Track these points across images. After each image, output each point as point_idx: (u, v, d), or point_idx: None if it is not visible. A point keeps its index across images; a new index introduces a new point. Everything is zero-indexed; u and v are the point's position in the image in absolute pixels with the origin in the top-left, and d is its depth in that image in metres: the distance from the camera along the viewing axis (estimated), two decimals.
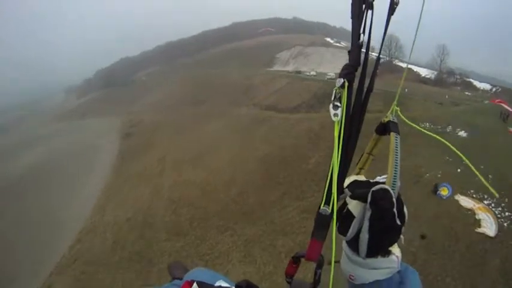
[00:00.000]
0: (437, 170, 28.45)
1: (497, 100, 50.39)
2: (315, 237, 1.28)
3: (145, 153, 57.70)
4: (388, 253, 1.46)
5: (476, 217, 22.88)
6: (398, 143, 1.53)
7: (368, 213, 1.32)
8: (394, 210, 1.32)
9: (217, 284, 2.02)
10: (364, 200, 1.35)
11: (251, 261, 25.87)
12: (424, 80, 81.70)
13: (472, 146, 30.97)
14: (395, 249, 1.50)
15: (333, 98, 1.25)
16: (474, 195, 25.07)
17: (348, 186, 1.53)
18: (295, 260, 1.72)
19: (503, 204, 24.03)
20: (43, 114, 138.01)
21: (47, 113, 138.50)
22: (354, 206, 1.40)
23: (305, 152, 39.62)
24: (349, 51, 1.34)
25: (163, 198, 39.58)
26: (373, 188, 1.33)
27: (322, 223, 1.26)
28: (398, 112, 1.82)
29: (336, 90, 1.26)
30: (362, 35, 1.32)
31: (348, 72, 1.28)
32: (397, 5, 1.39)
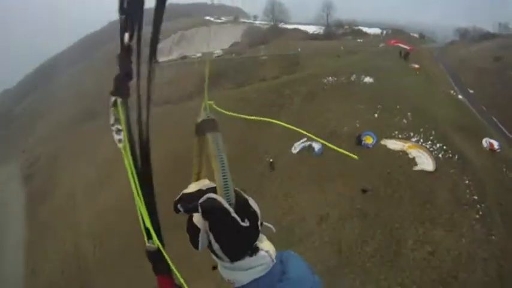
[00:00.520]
0: (354, 121, 28.84)
1: (392, 41, 53.44)
2: (158, 272, 1.33)
3: (52, 192, 53.97)
4: (255, 251, 1.27)
5: (410, 156, 23.55)
6: (219, 141, 1.29)
7: (206, 225, 1.21)
8: (233, 215, 1.17)
9: None
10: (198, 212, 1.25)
11: None
12: (314, 37, 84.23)
13: (382, 90, 32.02)
14: (264, 244, 1.30)
15: (111, 122, 1.23)
16: (400, 136, 25.84)
17: (179, 202, 1.35)
18: None
19: (431, 137, 24.96)
20: None
21: None
22: (197, 218, 1.27)
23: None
24: (117, 56, 1.24)
25: (86, 236, 37.21)
26: (200, 201, 1.21)
27: (155, 258, 1.29)
28: (214, 106, 1.51)
29: (112, 111, 1.23)
30: (127, 34, 1.22)
31: (119, 87, 1.24)
32: None
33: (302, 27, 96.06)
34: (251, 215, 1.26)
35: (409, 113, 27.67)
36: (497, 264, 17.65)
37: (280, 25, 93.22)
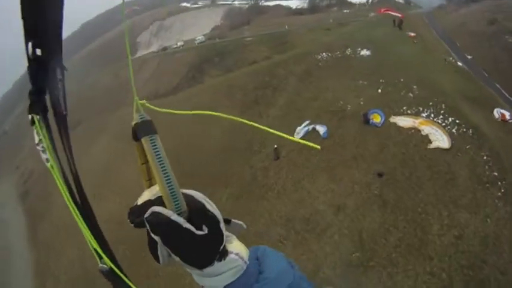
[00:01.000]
0: (357, 98, 27.73)
1: (383, 9, 52.24)
2: None
3: (50, 205, 51.22)
4: (223, 255, 1.26)
5: (423, 133, 22.54)
6: (157, 144, 1.22)
7: (159, 240, 1.17)
8: (185, 226, 1.14)
9: None
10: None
11: None
12: (299, 12, 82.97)
13: (381, 62, 31.04)
14: (233, 246, 1.31)
15: (36, 142, 1.22)
16: (409, 112, 24.77)
17: (128, 217, 1.33)
18: None
19: (442, 111, 24.03)
20: None
21: None
22: (153, 234, 1.22)
23: (209, 130, 36.88)
24: (28, 68, 1.18)
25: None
26: (145, 216, 1.17)
27: (111, 278, 1.27)
28: (146, 104, 1.46)
29: (35, 130, 1.21)
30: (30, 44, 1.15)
31: (34, 103, 1.22)
32: None
33: (284, 3, 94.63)
34: (210, 220, 1.21)
35: (414, 86, 26.67)
36: None
37: (260, 3, 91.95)
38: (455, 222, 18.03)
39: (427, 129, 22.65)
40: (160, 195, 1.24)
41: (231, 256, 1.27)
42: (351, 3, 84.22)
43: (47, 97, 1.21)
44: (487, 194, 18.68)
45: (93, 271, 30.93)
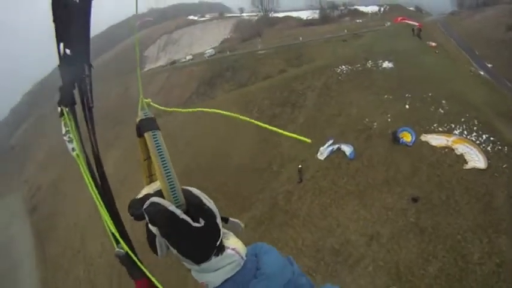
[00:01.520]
0: (384, 115, 26.66)
1: (399, 18, 51.57)
2: (133, 278, 1.39)
3: (58, 223, 53.30)
4: (220, 250, 1.33)
5: (457, 152, 21.59)
6: (160, 140, 1.33)
7: (157, 231, 1.24)
8: (182, 217, 1.21)
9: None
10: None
11: None
12: (310, 22, 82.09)
13: (405, 75, 30.10)
14: (230, 241, 1.38)
15: (63, 132, 1.32)
16: (440, 129, 23.77)
17: (128, 210, 1.42)
18: None
19: (475, 128, 23.10)
20: None
21: None
22: (151, 225, 1.30)
23: (225, 148, 36.10)
24: (59, 66, 1.33)
25: (99, 273, 35.52)
26: (144, 206, 1.25)
27: (127, 263, 1.35)
28: (151, 103, 1.62)
29: (62, 121, 1.32)
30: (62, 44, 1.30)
31: (63, 97, 1.33)
32: None
33: (294, 14, 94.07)
34: (206, 214, 1.27)
35: (443, 101, 25.76)
36: None
37: (270, 14, 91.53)
38: (495, 248, 17.18)
39: (462, 148, 21.74)
40: (159, 189, 1.33)
41: (228, 251, 1.31)
42: (363, 12, 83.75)
43: (75, 92, 1.31)
44: None
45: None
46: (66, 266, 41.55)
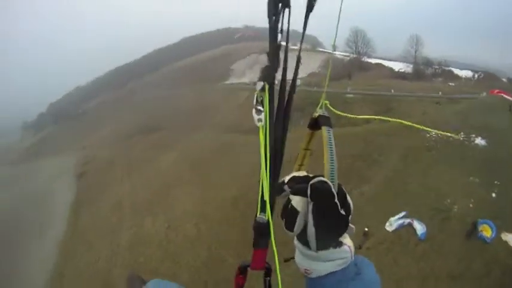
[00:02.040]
0: (466, 199, 24.39)
1: (496, 91, 49.06)
2: (257, 246, 1.50)
3: (100, 197, 55.74)
4: (339, 244, 1.53)
5: None
6: (331, 135, 1.60)
7: (310, 206, 1.40)
8: (336, 200, 1.39)
9: None
10: (305, 194, 1.44)
11: None
12: (402, 75, 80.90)
13: (497, 158, 27.56)
14: (347, 240, 1.57)
15: (254, 103, 1.44)
16: None
17: (287, 183, 1.66)
18: (242, 271, 1.76)
19: None
20: None
21: (2, 155, 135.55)
22: (297, 201, 1.48)
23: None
24: (267, 53, 1.48)
25: (120, 264, 36.08)
26: (311, 181, 1.41)
27: (261, 231, 1.45)
28: (328, 105, 1.94)
29: (257, 94, 1.44)
30: (280, 34, 1.46)
31: (267, 75, 1.46)
32: (315, 1, 1.49)
33: (386, 63, 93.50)
34: (347, 207, 1.46)
35: None
36: None
37: (363, 58, 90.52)
38: None
39: None
40: (305, 175, 1.65)
41: (345, 247, 1.51)
42: (457, 76, 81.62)
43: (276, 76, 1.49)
44: None
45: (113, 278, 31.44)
46: (90, 244, 43.25)
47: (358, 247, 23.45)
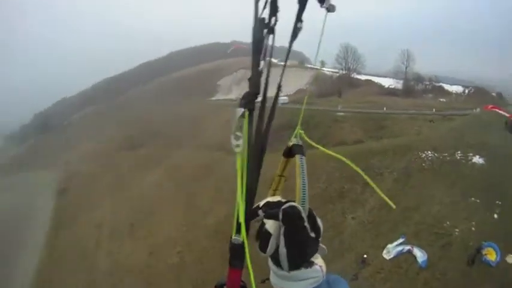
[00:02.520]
0: (468, 222, 23.36)
1: (489, 106, 48.65)
2: (232, 266, 1.50)
3: (80, 217, 55.45)
4: (310, 264, 1.59)
5: None
6: (304, 163, 1.65)
7: (282, 229, 1.50)
8: (305, 224, 1.50)
9: None
10: (277, 218, 1.53)
11: None
12: (392, 92, 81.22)
13: (497, 177, 26.45)
14: (318, 260, 1.64)
15: (233, 130, 1.41)
16: None
17: (261, 207, 1.74)
18: None
19: None
20: None
21: None
22: (270, 225, 1.57)
23: None
24: (249, 79, 1.49)
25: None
26: (283, 206, 1.52)
27: (236, 252, 1.46)
28: (303, 135, 1.95)
29: (237, 120, 1.43)
30: (262, 62, 1.49)
31: (247, 102, 1.46)
32: (300, 30, 1.56)
33: (376, 79, 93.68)
34: (316, 230, 1.57)
35: None
36: None
37: (352, 75, 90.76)
38: None
39: None
40: (278, 201, 1.74)
41: (316, 267, 1.58)
42: (447, 91, 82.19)
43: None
44: None
45: None
46: (70, 266, 42.63)
47: (354, 277, 22.46)
